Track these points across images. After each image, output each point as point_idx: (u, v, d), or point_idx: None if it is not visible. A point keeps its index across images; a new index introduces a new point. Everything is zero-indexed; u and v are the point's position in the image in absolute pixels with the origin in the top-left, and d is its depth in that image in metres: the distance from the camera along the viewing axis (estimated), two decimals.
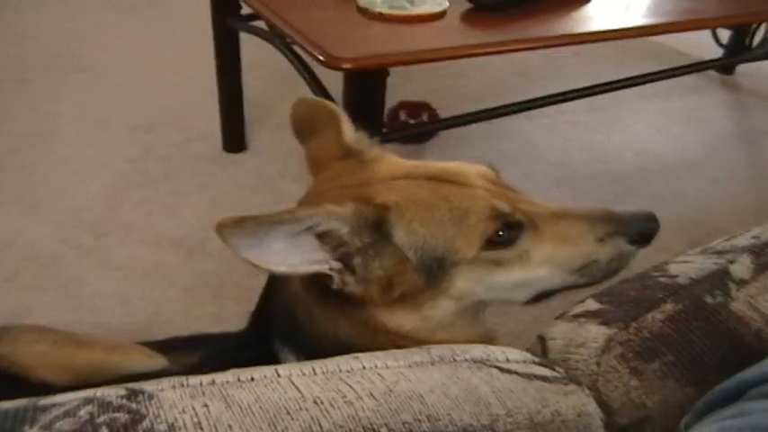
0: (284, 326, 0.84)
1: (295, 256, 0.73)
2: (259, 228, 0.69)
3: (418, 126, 2.44)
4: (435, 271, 0.79)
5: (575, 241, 0.83)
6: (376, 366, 0.59)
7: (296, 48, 1.65)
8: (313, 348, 0.77)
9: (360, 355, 0.62)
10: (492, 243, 0.80)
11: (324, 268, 0.75)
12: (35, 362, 1.13)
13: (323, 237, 0.76)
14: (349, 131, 0.93)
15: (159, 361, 1.24)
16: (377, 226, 0.77)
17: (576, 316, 0.74)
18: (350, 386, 0.55)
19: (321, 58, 1.35)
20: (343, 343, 0.80)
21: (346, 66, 1.36)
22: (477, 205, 0.79)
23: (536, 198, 0.89)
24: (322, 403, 0.53)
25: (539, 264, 0.83)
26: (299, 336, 0.83)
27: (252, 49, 2.30)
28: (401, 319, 0.81)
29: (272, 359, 0.83)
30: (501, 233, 0.80)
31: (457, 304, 0.82)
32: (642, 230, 0.84)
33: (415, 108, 2.48)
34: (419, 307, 0.81)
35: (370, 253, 0.77)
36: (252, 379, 0.56)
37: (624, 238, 0.83)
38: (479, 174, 0.85)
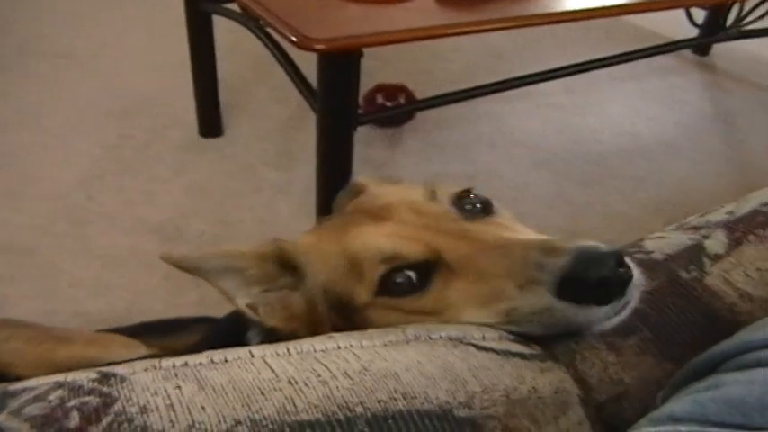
0: None
1: (232, 290, 0.80)
2: (192, 264, 0.79)
3: (394, 108, 2.44)
4: (349, 314, 0.75)
5: (490, 283, 0.67)
6: (351, 346, 0.59)
7: (270, 31, 1.64)
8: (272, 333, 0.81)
9: (335, 334, 0.62)
10: (396, 289, 0.71)
11: (239, 304, 0.80)
12: (12, 359, 1.12)
13: (250, 274, 0.81)
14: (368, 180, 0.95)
15: (139, 350, 1.23)
16: (291, 267, 0.80)
17: None
18: (324, 366, 0.55)
19: (294, 39, 1.33)
20: None
21: (319, 47, 1.34)
22: (368, 249, 0.73)
23: (505, 221, 0.78)
24: (296, 383, 0.52)
25: (457, 307, 0.70)
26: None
27: (227, 33, 2.28)
28: None
29: (244, 342, 0.84)
30: (399, 279, 0.71)
31: None
32: (568, 282, 0.62)
33: (392, 91, 2.47)
34: None
35: (286, 291, 0.81)
36: (225, 360, 0.56)
37: (545, 289, 0.63)
38: (409, 204, 0.77)
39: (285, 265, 0.80)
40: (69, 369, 1.09)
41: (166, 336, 1.27)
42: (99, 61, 2.93)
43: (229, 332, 0.93)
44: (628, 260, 0.64)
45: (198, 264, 0.78)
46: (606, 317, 0.63)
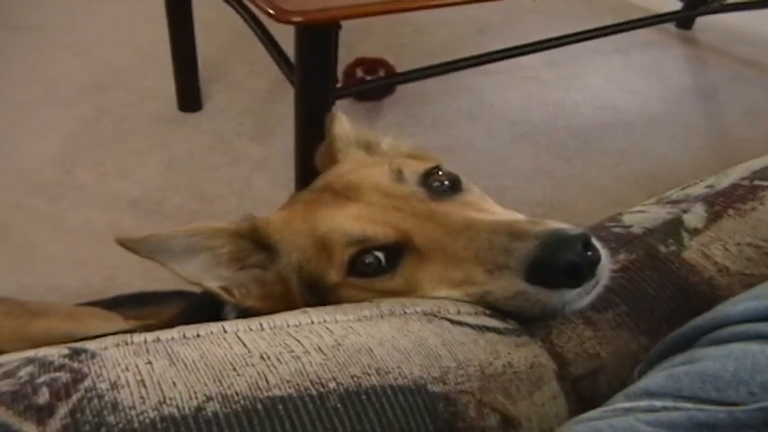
0: None
1: (198, 271, 0.77)
2: (153, 247, 0.75)
3: (373, 82, 2.42)
4: (322, 293, 0.76)
5: (459, 267, 0.67)
6: (324, 321, 0.58)
7: (248, 3, 1.62)
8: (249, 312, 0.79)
9: (309, 309, 0.61)
10: (365, 270, 0.72)
11: (213, 285, 0.78)
12: None
13: (223, 252, 0.79)
14: (340, 127, 0.96)
15: (117, 323, 1.22)
16: (263, 245, 0.79)
17: None
18: (297, 341, 0.54)
19: (270, 11, 1.31)
20: None
21: (296, 19, 1.32)
22: (335, 231, 0.73)
23: (474, 201, 0.78)
24: (269, 358, 0.52)
25: (429, 289, 0.70)
26: None
27: (205, 6, 2.25)
28: None
29: (221, 317, 0.83)
30: (368, 260, 0.71)
31: None
32: (537, 267, 0.62)
33: (372, 64, 2.46)
34: None
35: (259, 270, 0.80)
36: (198, 335, 0.55)
37: (513, 274, 0.63)
38: (377, 185, 0.77)
39: (258, 243, 0.80)
40: (46, 343, 1.09)
41: (143, 308, 1.27)
42: (73, 34, 2.87)
43: (206, 307, 0.93)
44: (595, 241, 0.64)
45: (160, 245, 0.75)
46: (578, 297, 0.63)
